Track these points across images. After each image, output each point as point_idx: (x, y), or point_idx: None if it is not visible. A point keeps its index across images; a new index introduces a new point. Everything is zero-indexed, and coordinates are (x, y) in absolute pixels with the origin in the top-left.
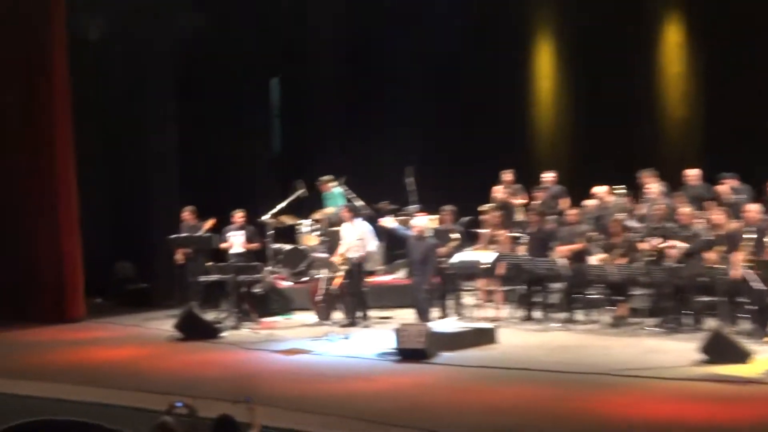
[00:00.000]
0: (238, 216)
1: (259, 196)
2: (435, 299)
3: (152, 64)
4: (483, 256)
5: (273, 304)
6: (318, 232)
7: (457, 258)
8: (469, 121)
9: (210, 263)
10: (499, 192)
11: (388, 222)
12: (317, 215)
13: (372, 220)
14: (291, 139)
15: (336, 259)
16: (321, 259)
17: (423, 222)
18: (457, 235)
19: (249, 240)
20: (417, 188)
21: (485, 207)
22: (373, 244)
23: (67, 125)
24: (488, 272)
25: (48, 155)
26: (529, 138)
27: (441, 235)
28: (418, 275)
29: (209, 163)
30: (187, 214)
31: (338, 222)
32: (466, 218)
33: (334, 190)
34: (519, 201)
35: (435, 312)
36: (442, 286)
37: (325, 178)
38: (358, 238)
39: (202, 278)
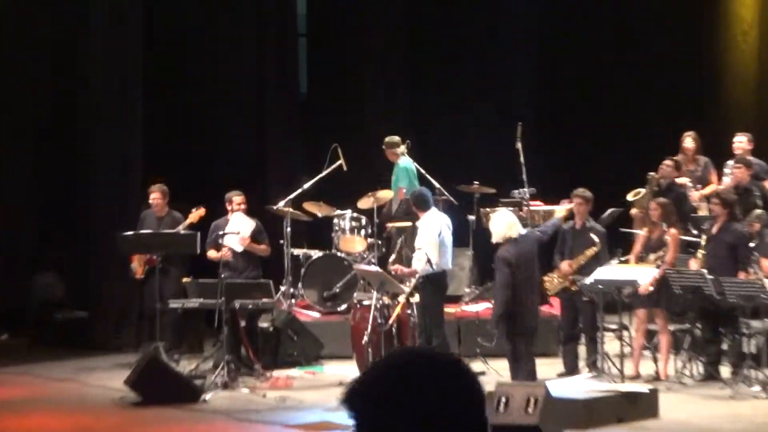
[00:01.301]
0: (237, 202)
1: (272, 169)
2: (557, 342)
3: None
4: (636, 273)
5: (289, 347)
6: (366, 231)
7: (595, 276)
8: (602, 63)
9: (188, 279)
10: (666, 168)
11: (501, 221)
12: (367, 201)
13: (452, 210)
14: (324, 76)
15: (394, 273)
16: (371, 274)
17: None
18: (594, 239)
19: (254, 241)
20: (527, 161)
21: (638, 194)
22: (447, 253)
23: None
24: (646, 300)
25: None
26: (712, 90)
27: (571, 238)
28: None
29: (190, 113)
30: (155, 196)
31: (406, 214)
32: (610, 212)
33: (402, 160)
34: (696, 186)
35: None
36: (567, 320)
37: (391, 139)
38: (429, 240)
39: (175, 303)
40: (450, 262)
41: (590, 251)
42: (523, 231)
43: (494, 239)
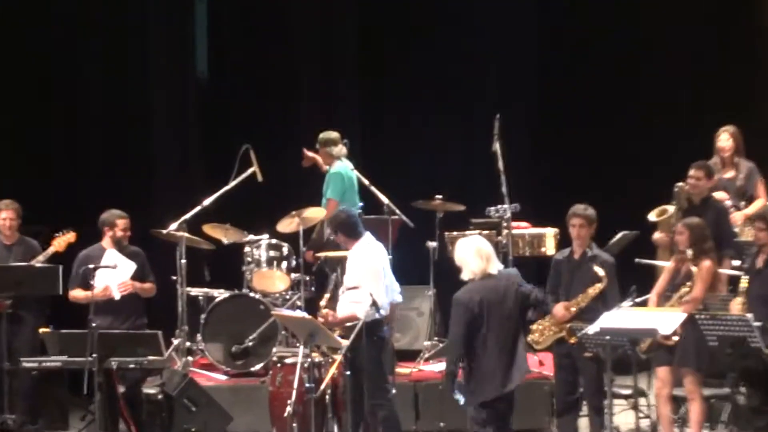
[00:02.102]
0: (122, 227)
1: (161, 180)
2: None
3: None
4: (657, 318)
5: (186, 421)
6: (288, 263)
7: (600, 323)
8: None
9: (47, 329)
10: (695, 180)
11: (469, 249)
12: (290, 223)
13: (406, 235)
14: (232, 50)
15: (324, 320)
16: (296, 321)
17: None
18: (598, 272)
19: (139, 278)
20: (509, 168)
21: (663, 213)
22: (387, 293)
23: None
24: (669, 356)
25: None
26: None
27: (567, 272)
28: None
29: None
30: (4, 216)
31: (331, 244)
32: (621, 236)
33: (337, 165)
34: (737, 203)
35: None
36: (563, 384)
37: (327, 135)
38: (371, 275)
39: (29, 362)
40: (387, 305)
41: (593, 289)
42: (501, 266)
43: (465, 275)
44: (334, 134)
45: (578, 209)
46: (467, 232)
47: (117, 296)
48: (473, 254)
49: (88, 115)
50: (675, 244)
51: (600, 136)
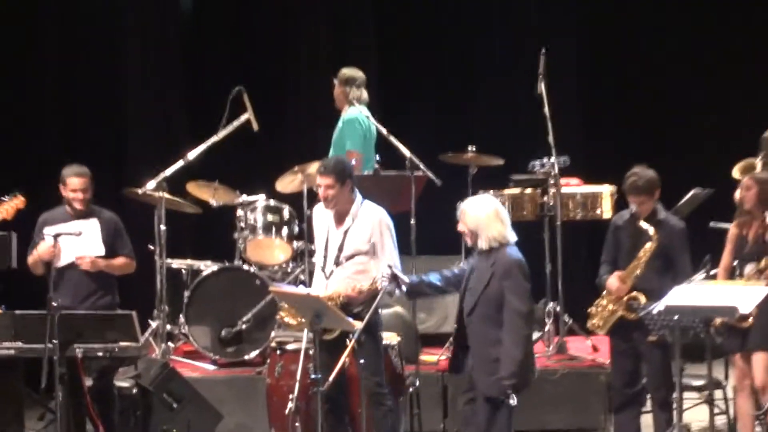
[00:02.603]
0: (71, 186)
1: (135, 131)
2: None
3: None
4: (736, 294)
5: (166, 420)
6: (290, 229)
7: (667, 301)
8: None
9: None
10: None
11: (486, 209)
12: (291, 181)
13: (432, 193)
14: None
15: (352, 290)
16: (300, 299)
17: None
18: (648, 230)
19: (111, 251)
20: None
21: (749, 166)
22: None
23: None
24: (751, 340)
25: None
26: None
27: (627, 238)
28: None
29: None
30: None
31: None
32: (692, 195)
33: (352, 110)
34: None
35: None
36: (622, 374)
37: (351, 73)
38: (387, 239)
39: None
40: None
41: (644, 252)
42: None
43: (482, 243)
44: (359, 74)
45: (631, 183)
46: (506, 191)
47: (60, 263)
48: (494, 217)
49: (44, 51)
50: (740, 204)
51: (667, 73)
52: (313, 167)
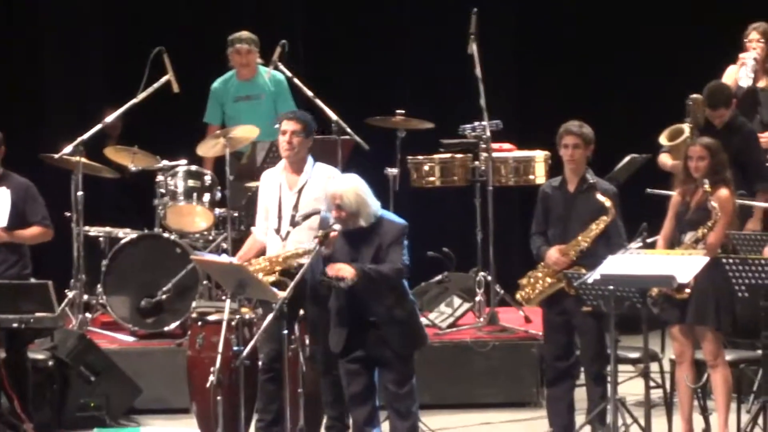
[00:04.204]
0: None
1: (51, 92)
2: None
3: None
4: (673, 263)
5: (84, 394)
6: (212, 196)
7: (602, 270)
8: None
9: None
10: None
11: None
12: (214, 145)
13: (359, 159)
14: None
15: (260, 265)
16: (222, 268)
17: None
18: (603, 203)
19: (22, 220)
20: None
21: (678, 133)
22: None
23: None
24: (688, 312)
25: None
26: None
27: (560, 206)
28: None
29: None
30: None
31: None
32: (629, 160)
33: (264, 68)
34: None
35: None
36: (555, 346)
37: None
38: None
39: None
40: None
41: (597, 225)
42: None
43: (363, 221)
44: (234, 35)
45: (572, 126)
46: (436, 156)
47: None
48: (368, 192)
49: None
50: (684, 171)
51: (603, 38)
52: (237, 131)
